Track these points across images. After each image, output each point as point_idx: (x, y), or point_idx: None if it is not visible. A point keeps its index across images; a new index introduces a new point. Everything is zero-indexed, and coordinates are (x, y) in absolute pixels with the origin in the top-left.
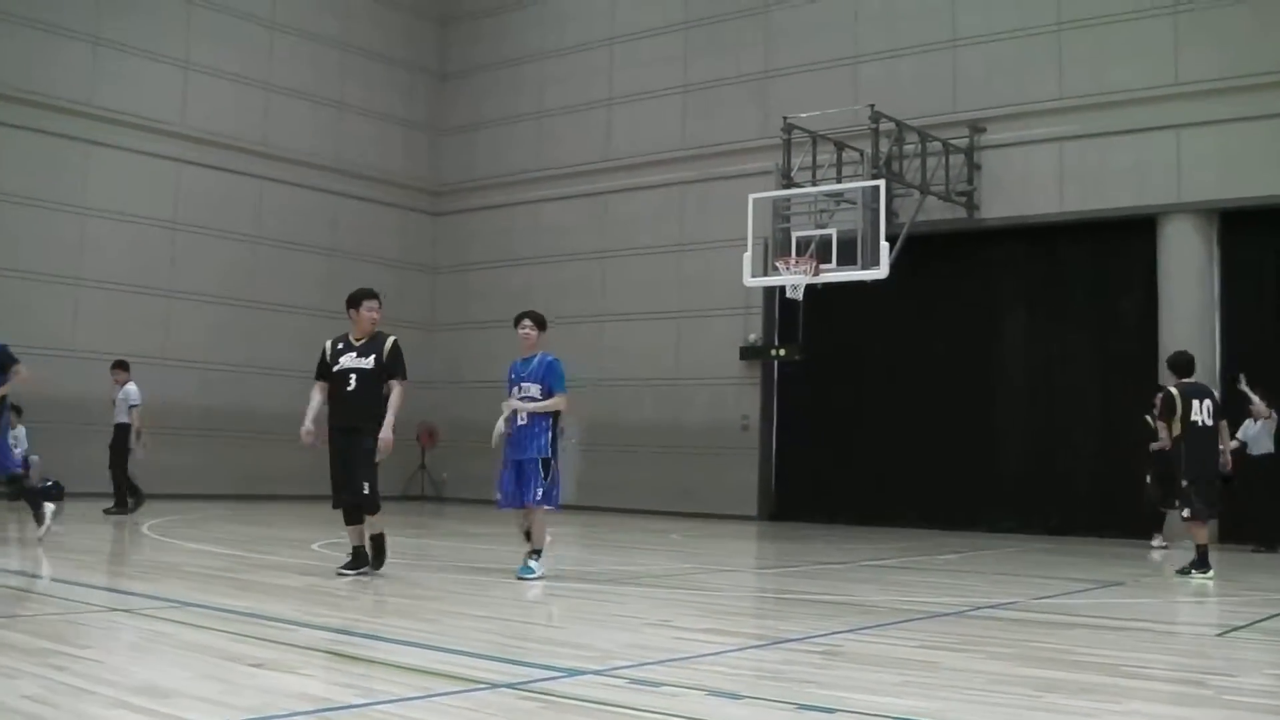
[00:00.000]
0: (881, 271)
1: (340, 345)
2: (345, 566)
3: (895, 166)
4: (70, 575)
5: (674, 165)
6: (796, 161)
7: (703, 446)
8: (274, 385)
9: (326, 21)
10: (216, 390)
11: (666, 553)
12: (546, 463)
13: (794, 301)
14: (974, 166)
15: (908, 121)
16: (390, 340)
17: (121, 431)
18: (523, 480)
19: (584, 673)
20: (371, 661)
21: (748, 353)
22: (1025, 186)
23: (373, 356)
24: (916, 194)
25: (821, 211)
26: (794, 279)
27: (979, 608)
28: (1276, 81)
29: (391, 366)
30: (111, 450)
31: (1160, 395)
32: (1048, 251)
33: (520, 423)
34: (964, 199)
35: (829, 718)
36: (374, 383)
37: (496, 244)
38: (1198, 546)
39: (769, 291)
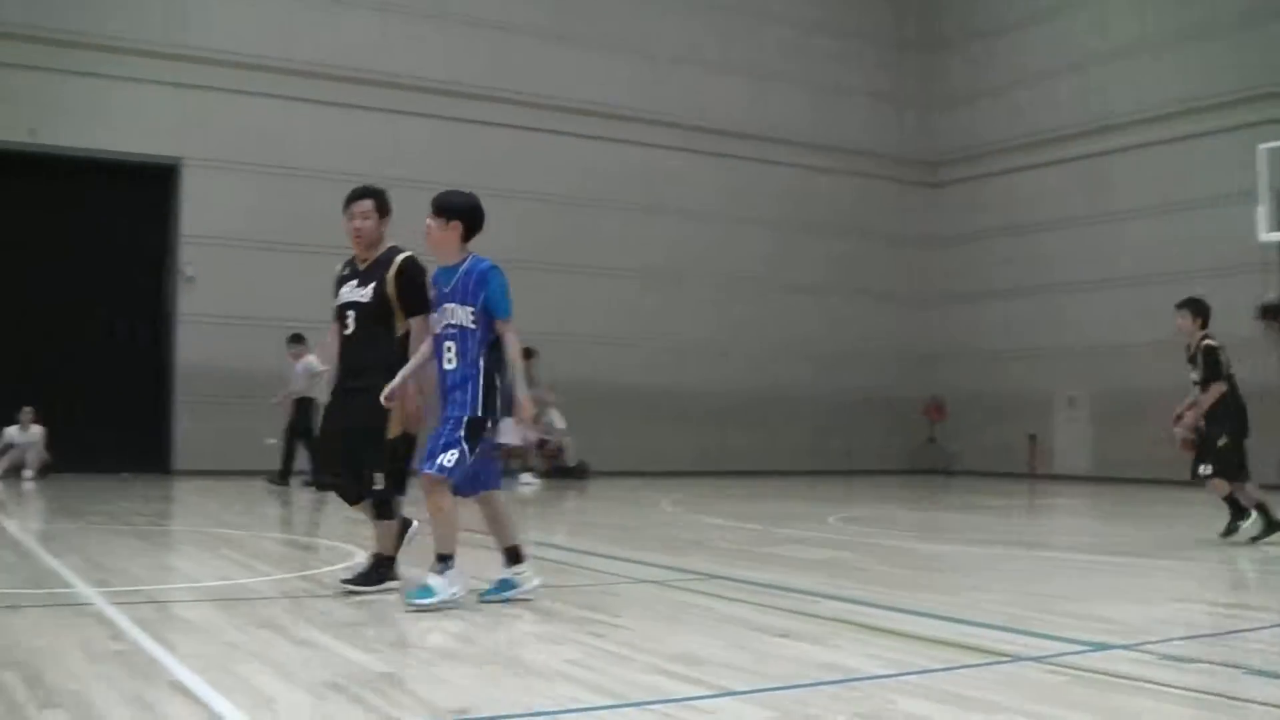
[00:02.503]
0: None
1: (346, 271)
2: (356, 578)
3: None
4: (599, 548)
5: (1171, 120)
6: None
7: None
8: (790, 365)
9: (808, 7)
10: (724, 372)
11: (1189, 522)
12: (473, 425)
13: None
14: None
15: None
16: (399, 260)
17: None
18: (434, 439)
19: (1112, 647)
20: (895, 633)
21: (1268, 311)
22: None
23: (372, 286)
24: None
25: None
26: None
27: None
28: None
29: (402, 298)
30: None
31: None
32: None
33: (446, 366)
34: None
35: None
36: (374, 324)
37: (996, 212)
38: None
39: None
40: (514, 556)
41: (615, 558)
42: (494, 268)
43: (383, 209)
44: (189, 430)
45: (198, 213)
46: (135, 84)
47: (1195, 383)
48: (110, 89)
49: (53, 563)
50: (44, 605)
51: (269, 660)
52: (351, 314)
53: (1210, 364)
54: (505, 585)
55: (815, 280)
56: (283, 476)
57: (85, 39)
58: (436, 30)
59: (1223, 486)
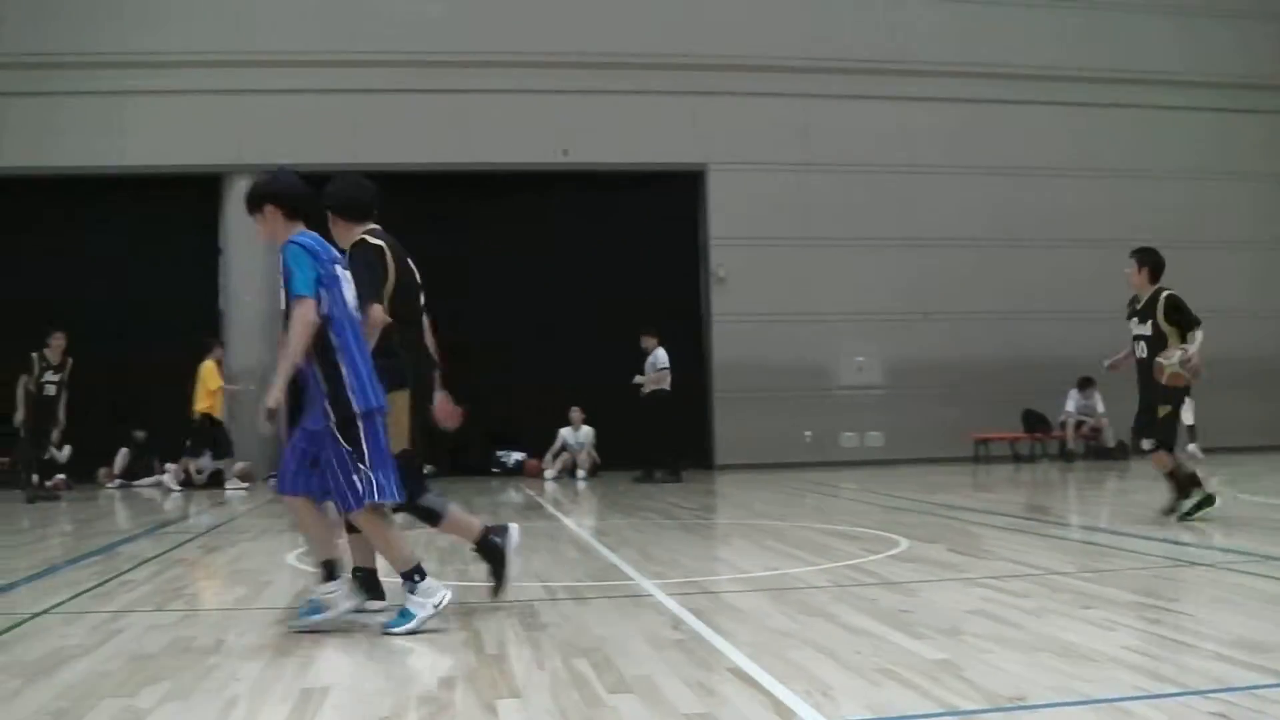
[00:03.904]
0: None
1: None
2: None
3: None
4: (1145, 530)
5: None
6: None
7: None
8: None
9: None
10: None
11: None
12: (345, 430)
13: None
14: None
15: None
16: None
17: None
18: (318, 464)
19: None
20: None
21: None
22: None
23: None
24: None
25: None
26: None
27: None
28: None
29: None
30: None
31: None
32: None
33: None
34: None
35: None
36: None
37: None
38: None
39: None
40: (329, 572)
41: (1163, 540)
42: (290, 242)
43: None
44: (727, 425)
45: (724, 215)
46: (655, 96)
47: (1140, 337)
48: (632, 105)
49: (611, 557)
50: (608, 596)
51: (822, 648)
52: None
53: (1184, 312)
54: (314, 607)
55: (1234, 234)
56: (673, 472)
57: (613, 59)
58: (945, 12)
59: (1166, 461)
